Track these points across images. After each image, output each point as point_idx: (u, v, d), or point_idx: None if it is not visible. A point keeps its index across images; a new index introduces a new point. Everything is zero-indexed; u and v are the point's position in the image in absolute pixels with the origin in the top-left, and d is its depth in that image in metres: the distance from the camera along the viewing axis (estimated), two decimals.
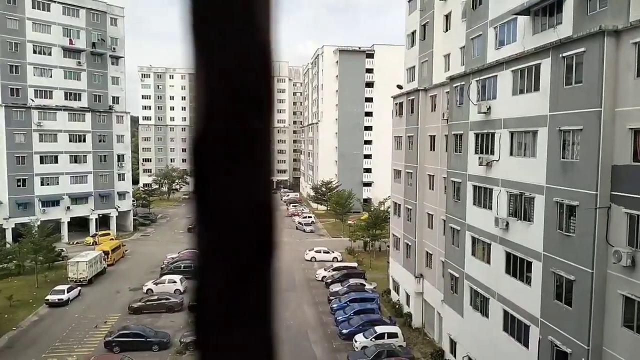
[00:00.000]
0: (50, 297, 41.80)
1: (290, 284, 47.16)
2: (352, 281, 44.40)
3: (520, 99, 24.10)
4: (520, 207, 23.86)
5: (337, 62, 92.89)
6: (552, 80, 21.44)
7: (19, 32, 63.13)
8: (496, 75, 26.07)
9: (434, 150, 36.22)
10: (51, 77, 66.07)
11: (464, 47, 31.75)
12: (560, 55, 20.85)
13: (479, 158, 27.11)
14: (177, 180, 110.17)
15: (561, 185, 20.84)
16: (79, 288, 44.64)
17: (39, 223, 53.86)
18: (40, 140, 64.10)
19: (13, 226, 59.20)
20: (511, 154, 24.85)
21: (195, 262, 0.84)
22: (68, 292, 42.65)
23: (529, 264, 22.98)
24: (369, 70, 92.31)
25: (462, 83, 29.76)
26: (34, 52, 64.61)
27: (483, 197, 27.48)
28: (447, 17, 35.66)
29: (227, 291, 0.83)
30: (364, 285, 44.20)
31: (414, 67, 41.14)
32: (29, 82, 64.02)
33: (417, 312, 37.90)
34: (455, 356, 30.56)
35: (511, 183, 24.53)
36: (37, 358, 32.02)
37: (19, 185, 61.78)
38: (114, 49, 72.66)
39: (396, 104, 43.33)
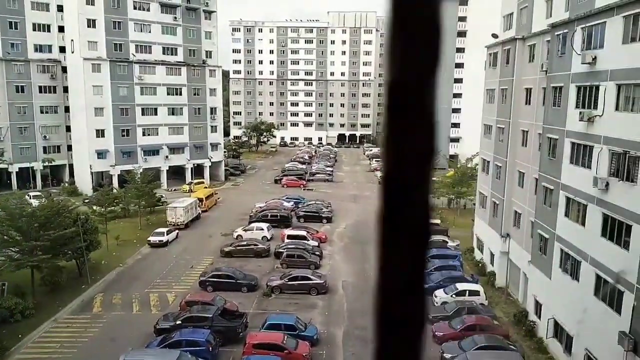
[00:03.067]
0: (151, 239, 45.78)
1: (368, 237, 47.72)
2: (433, 237, 44.01)
3: (631, 48, 21.76)
4: (624, 167, 21.99)
5: None
6: None
7: None
8: (605, 22, 23.62)
9: (529, 104, 34.05)
10: (150, 32, 69.69)
11: None
12: None
13: (580, 113, 25.12)
14: (264, 133, 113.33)
15: None
16: (177, 231, 48.37)
17: (141, 171, 58.42)
18: (142, 93, 68.65)
19: (119, 173, 64.90)
20: (617, 108, 22.74)
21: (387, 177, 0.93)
22: (167, 234, 46.41)
23: (629, 227, 21.36)
24: (462, 19, 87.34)
25: (566, 31, 27.32)
26: (134, 8, 68.18)
27: (582, 155, 25.62)
28: None
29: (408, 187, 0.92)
30: (446, 242, 43.66)
31: (511, 13, 38.33)
32: (130, 38, 68.06)
33: (502, 272, 36.94)
34: (539, 318, 29.65)
35: (615, 140, 22.58)
36: (141, 292, 35.56)
37: (123, 135, 67.13)
38: (207, 3, 74.72)
39: (490, 54, 40.94)
